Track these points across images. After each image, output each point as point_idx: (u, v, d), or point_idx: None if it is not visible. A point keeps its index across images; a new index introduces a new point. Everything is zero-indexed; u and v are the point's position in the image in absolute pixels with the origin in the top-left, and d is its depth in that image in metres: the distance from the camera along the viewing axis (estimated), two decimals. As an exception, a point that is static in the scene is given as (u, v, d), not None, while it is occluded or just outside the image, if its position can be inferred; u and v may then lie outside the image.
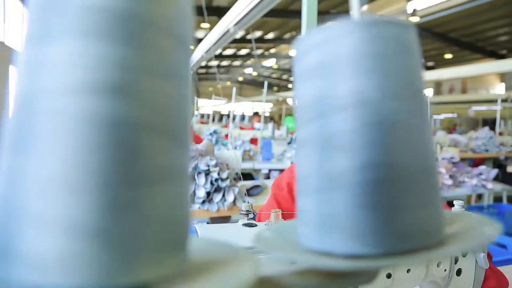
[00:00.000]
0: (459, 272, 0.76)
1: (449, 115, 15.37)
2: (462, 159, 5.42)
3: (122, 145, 0.19)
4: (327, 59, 0.27)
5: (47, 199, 0.18)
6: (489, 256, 1.10)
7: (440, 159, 3.15)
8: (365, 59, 0.26)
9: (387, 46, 0.26)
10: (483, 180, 2.84)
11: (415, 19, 11.43)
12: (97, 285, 0.17)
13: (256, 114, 12.80)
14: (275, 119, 14.43)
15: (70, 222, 0.17)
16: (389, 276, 0.67)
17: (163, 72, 0.21)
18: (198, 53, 5.54)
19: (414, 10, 11.05)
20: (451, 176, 2.74)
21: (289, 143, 4.55)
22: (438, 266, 0.73)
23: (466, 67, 6.12)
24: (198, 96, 18.09)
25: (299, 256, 0.25)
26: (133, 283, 0.18)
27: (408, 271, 0.69)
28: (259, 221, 0.73)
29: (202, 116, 9.88)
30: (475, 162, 5.59)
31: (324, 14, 11.44)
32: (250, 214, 0.72)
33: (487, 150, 5.17)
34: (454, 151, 5.21)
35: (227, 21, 3.72)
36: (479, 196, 5.10)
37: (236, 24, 3.59)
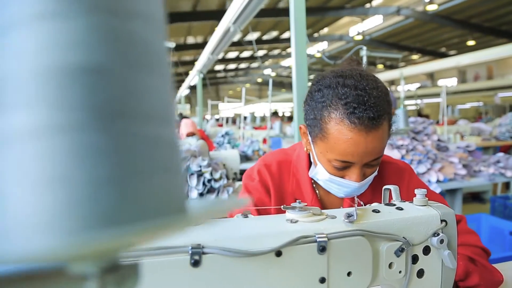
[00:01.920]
0: (420, 274, 0.65)
1: (475, 104, 14.75)
2: (486, 148, 5.15)
3: None
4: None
5: None
6: (487, 253, 0.97)
7: (455, 148, 2.97)
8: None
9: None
10: (501, 168, 2.64)
11: (433, 7, 11.05)
12: None
13: (274, 114, 12.70)
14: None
15: None
16: (322, 280, 0.57)
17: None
18: (204, 56, 5.51)
19: (431, -2, 10.69)
20: (465, 166, 2.57)
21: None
22: (390, 267, 0.61)
23: (486, 51, 5.81)
24: (219, 100, 18.14)
25: None
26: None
27: (348, 274, 0.58)
28: (231, 216, 0.64)
29: (217, 119, 9.88)
30: (501, 150, 5.32)
31: (337, 9, 11.22)
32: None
33: (512, 137, 4.89)
34: (476, 140, 4.95)
35: (226, 21, 3.67)
36: (507, 185, 4.83)
37: (234, 23, 3.53)
